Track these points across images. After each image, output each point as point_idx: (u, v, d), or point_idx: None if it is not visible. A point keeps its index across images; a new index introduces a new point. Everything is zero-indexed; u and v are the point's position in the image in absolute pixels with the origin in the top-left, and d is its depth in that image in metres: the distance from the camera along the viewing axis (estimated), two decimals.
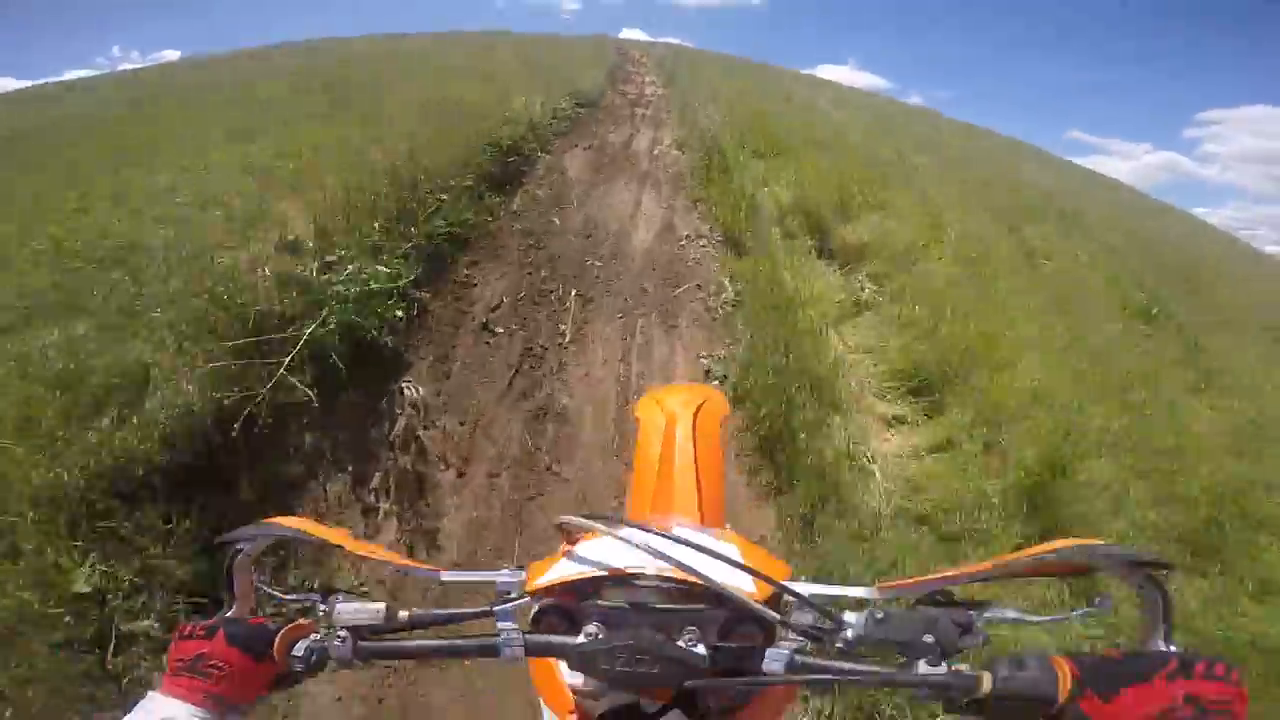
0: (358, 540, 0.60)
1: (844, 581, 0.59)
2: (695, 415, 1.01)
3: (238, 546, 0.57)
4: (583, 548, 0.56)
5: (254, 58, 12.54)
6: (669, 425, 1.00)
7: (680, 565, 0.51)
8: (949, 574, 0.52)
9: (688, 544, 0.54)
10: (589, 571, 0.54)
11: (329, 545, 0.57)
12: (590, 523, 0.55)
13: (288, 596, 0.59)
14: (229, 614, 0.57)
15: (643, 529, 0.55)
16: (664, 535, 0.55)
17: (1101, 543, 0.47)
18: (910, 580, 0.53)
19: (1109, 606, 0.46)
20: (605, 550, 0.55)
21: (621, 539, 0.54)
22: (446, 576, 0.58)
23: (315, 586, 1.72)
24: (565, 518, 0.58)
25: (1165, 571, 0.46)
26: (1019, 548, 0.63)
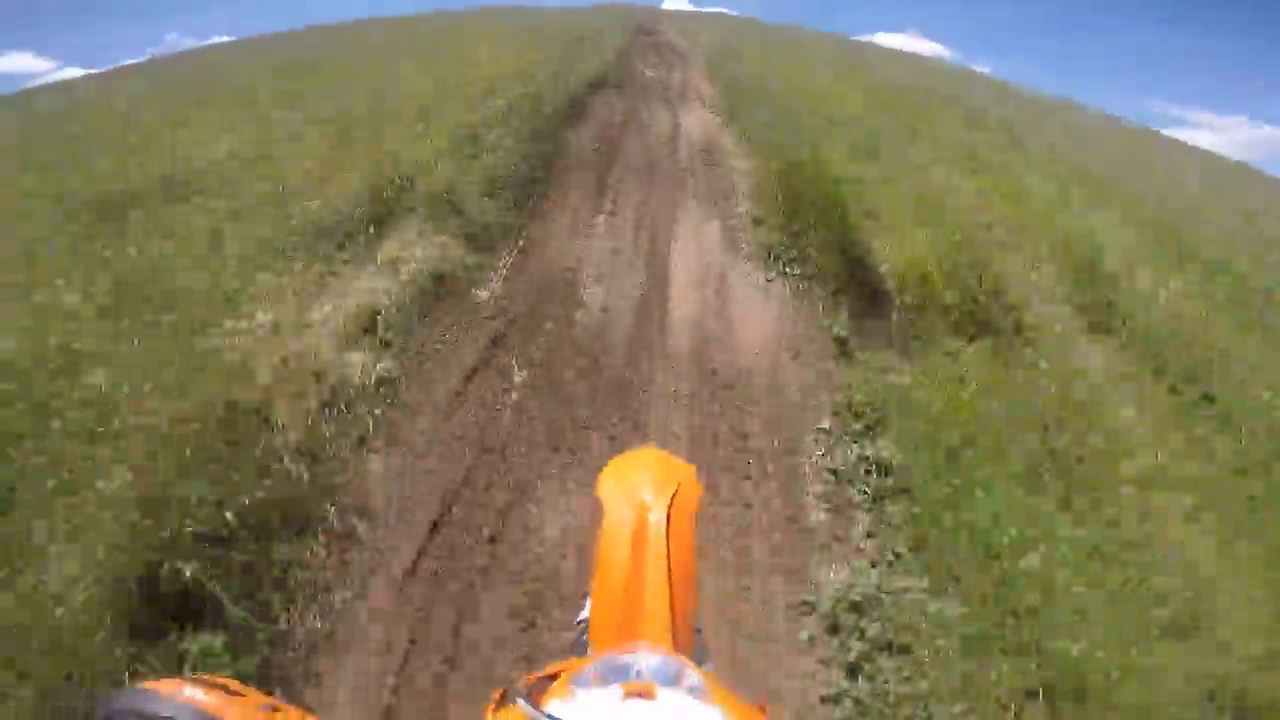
0: (279, 712, 0.47)
1: None
2: (670, 507, 0.88)
3: (113, 710, 0.44)
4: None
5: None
6: (640, 521, 0.87)
7: None
8: None
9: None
10: None
11: None
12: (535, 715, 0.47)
13: None
14: None
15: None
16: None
17: None
18: None
19: None
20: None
21: None
22: None
23: None
24: (524, 708, 0.49)
25: None
26: None
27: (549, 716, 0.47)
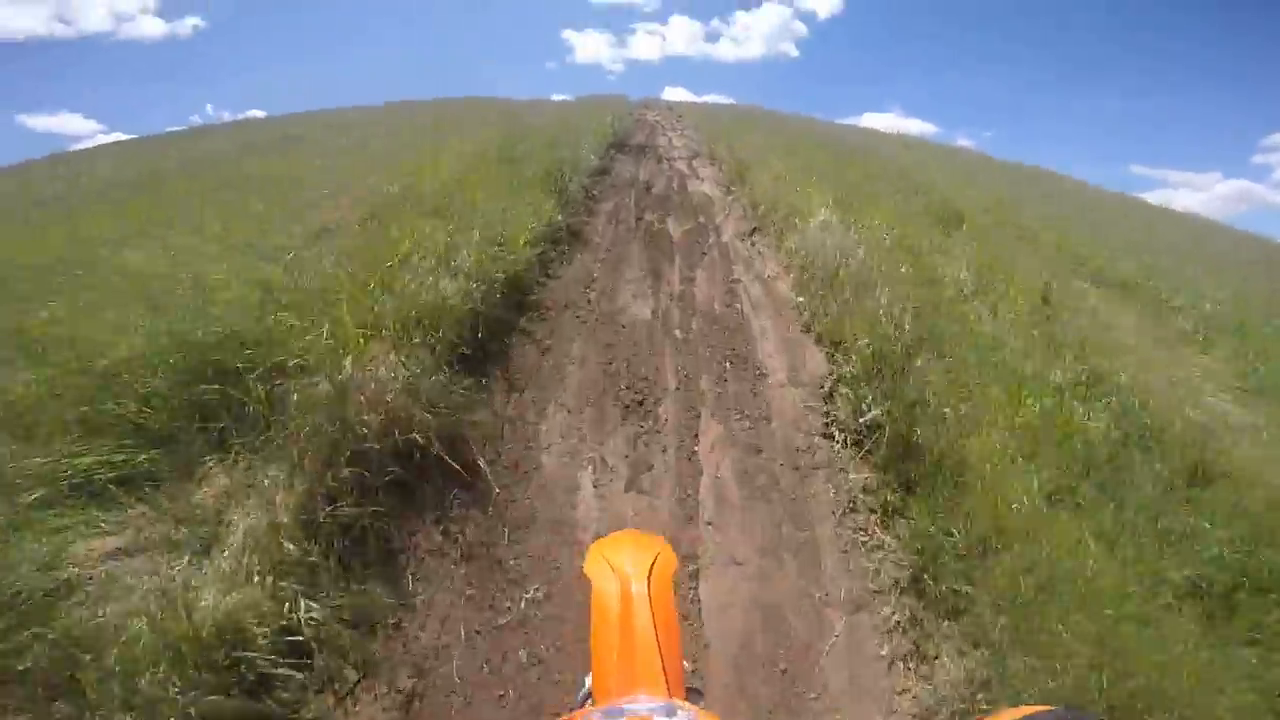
0: None
1: None
2: (649, 575, 0.98)
3: None
4: None
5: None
6: (624, 590, 0.96)
7: None
8: None
9: None
10: None
11: None
12: None
13: None
14: None
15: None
16: None
17: (1043, 710, 0.47)
18: None
19: None
20: None
21: None
22: None
23: None
24: None
25: None
26: None
27: None
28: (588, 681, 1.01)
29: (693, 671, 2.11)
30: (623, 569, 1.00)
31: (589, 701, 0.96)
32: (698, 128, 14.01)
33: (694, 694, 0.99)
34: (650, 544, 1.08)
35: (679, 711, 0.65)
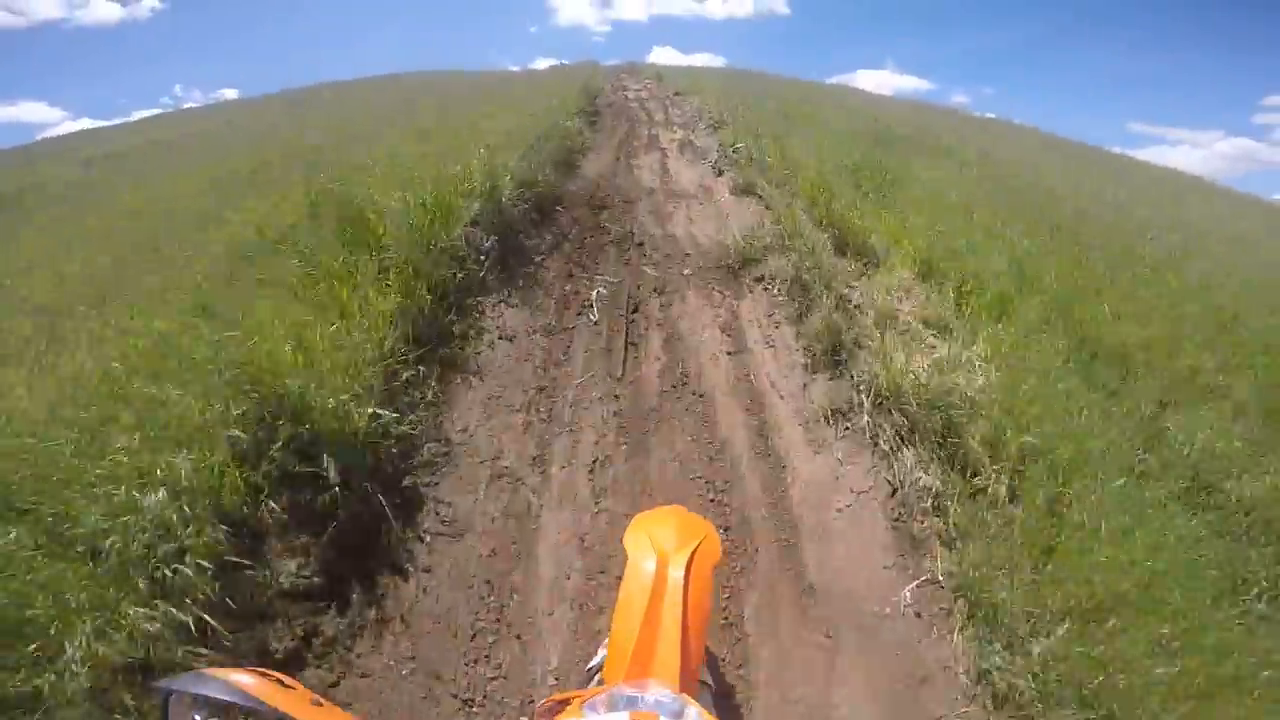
0: (323, 708, 0.54)
1: None
2: (690, 560, 0.95)
3: (172, 690, 0.52)
4: None
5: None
6: (660, 569, 0.94)
7: None
8: None
9: None
10: None
11: (276, 714, 0.51)
12: None
13: None
14: None
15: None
16: None
17: None
18: None
19: None
20: None
21: None
22: None
23: None
24: None
25: None
26: None
27: None
28: (601, 654, 1.02)
29: None
30: (663, 548, 0.96)
31: (598, 677, 0.96)
32: (706, 115, 9.64)
33: (703, 687, 1.00)
34: (696, 527, 1.05)
35: (687, 711, 0.64)
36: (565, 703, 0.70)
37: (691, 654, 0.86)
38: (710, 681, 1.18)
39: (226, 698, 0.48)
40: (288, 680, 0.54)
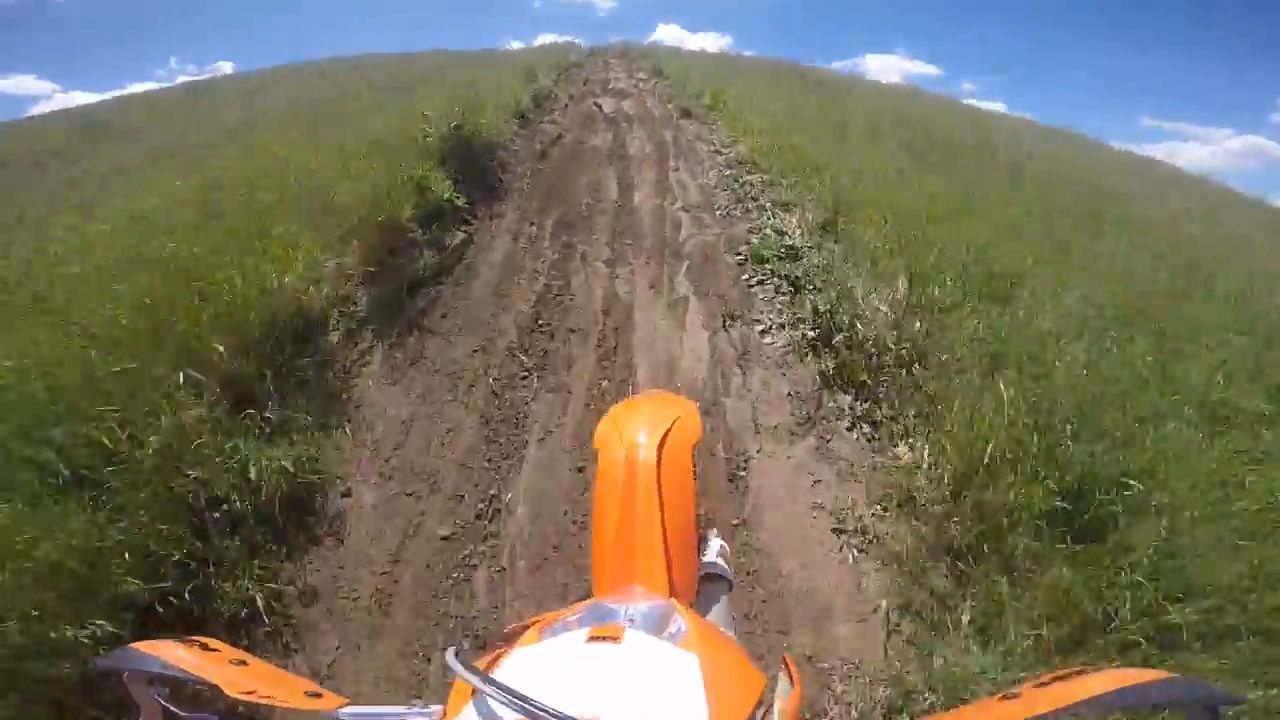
0: (248, 667, 0.54)
1: None
2: (660, 446, 0.85)
3: (123, 669, 0.51)
4: (501, 677, 0.49)
5: None
6: (629, 461, 0.84)
7: None
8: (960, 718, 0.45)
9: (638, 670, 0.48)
10: None
11: (206, 684, 0.50)
12: (487, 688, 0.44)
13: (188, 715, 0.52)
14: None
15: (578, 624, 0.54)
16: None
17: (1153, 678, 0.41)
18: None
19: None
20: (526, 678, 0.48)
21: (521, 705, 0.42)
22: (347, 713, 0.52)
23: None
24: (451, 662, 0.48)
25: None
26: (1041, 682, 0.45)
27: (479, 675, 0.45)
28: None
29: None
30: (632, 437, 0.86)
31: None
32: (756, 188, 7.73)
33: (717, 581, 0.96)
34: (672, 406, 0.95)
35: (672, 620, 0.58)
36: (533, 625, 0.59)
37: (678, 549, 0.77)
38: (724, 573, 1.09)
39: (147, 669, 0.50)
40: (211, 644, 0.53)
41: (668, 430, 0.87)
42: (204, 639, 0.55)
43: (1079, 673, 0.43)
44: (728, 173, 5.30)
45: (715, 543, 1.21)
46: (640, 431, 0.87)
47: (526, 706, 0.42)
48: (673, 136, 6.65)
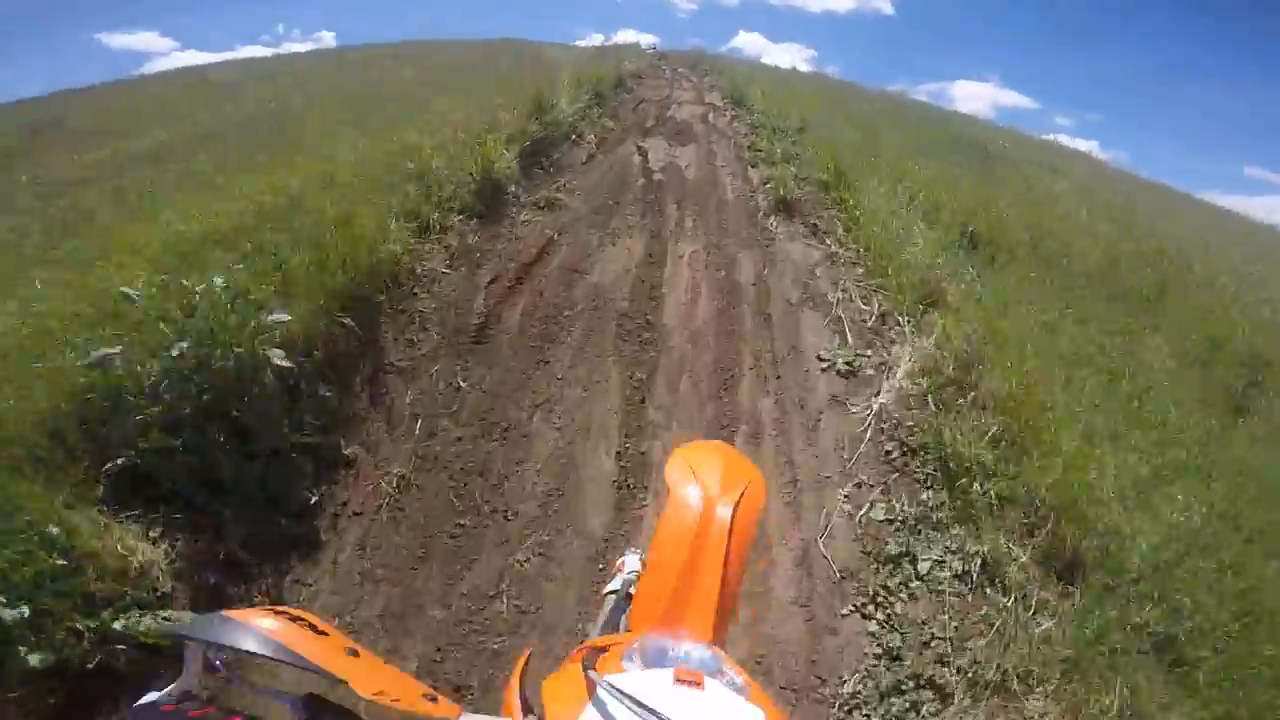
0: (360, 658, 0.45)
1: None
2: (738, 504, 0.86)
3: (198, 639, 0.42)
4: (604, 690, 0.49)
5: None
6: (706, 509, 0.85)
7: None
8: None
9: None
10: None
11: (330, 678, 0.42)
12: (631, 704, 0.46)
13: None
14: (144, 700, 0.42)
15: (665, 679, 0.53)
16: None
17: None
18: None
19: None
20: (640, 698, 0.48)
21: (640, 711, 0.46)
22: None
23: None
24: (593, 677, 0.50)
25: None
26: None
27: (615, 689, 0.48)
28: (618, 579, 1.05)
29: None
30: (709, 486, 0.89)
31: (624, 620, 0.98)
32: None
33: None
34: (745, 468, 0.96)
35: (726, 671, 0.61)
36: (602, 650, 0.63)
37: (726, 608, 0.79)
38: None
39: (259, 650, 0.40)
40: (319, 624, 0.45)
41: (743, 493, 0.88)
42: (303, 613, 0.45)
43: None
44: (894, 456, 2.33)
45: None
46: (715, 483, 0.89)
47: None
48: (755, 268, 3.56)
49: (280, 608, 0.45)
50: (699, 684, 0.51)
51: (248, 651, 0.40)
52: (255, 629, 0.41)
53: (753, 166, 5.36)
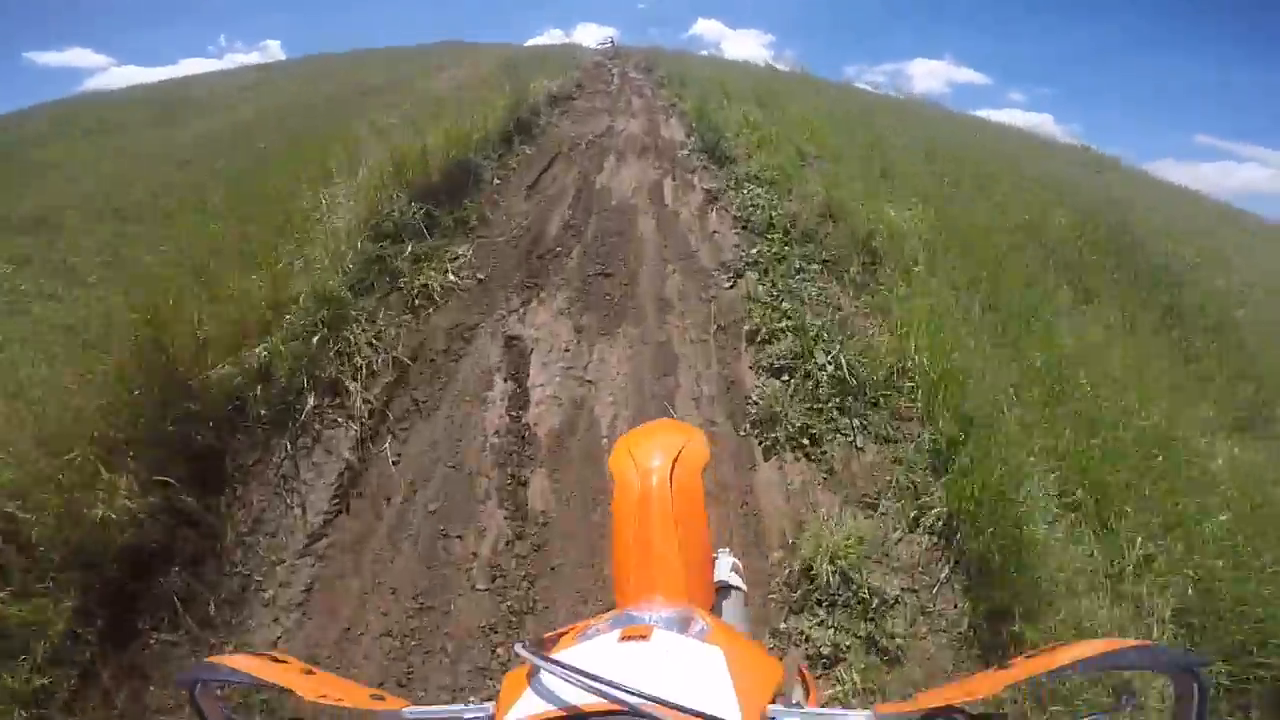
0: (315, 675, 0.59)
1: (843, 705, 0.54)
2: (671, 470, 0.92)
3: (198, 680, 0.57)
4: (548, 678, 0.53)
5: None
6: (644, 485, 0.91)
7: (662, 703, 0.48)
8: (954, 691, 0.50)
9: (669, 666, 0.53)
10: (557, 712, 0.51)
11: (282, 689, 0.56)
12: (554, 667, 0.51)
13: None
14: None
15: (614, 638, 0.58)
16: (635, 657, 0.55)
17: (1133, 645, 0.46)
18: (910, 705, 0.51)
19: (1133, 703, 0.48)
20: (579, 664, 0.52)
21: (585, 682, 0.50)
22: (409, 713, 0.58)
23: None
24: (520, 651, 0.54)
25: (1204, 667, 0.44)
26: (1031, 654, 0.51)
27: (545, 658, 0.50)
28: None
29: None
30: (645, 462, 0.93)
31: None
32: None
33: (725, 591, 1.01)
34: (680, 433, 0.99)
35: (695, 622, 0.62)
36: (562, 634, 0.67)
37: (694, 562, 0.84)
38: (739, 583, 1.15)
39: (229, 678, 0.55)
40: (280, 656, 0.59)
41: (677, 455, 0.91)
42: (273, 653, 0.61)
43: (1066, 645, 0.48)
44: None
45: (727, 560, 1.21)
46: (652, 458, 0.91)
47: (591, 684, 0.48)
48: None
49: (251, 650, 0.65)
50: (645, 637, 0.56)
51: (223, 680, 0.55)
52: (227, 665, 0.56)
53: (725, 282, 3.54)
